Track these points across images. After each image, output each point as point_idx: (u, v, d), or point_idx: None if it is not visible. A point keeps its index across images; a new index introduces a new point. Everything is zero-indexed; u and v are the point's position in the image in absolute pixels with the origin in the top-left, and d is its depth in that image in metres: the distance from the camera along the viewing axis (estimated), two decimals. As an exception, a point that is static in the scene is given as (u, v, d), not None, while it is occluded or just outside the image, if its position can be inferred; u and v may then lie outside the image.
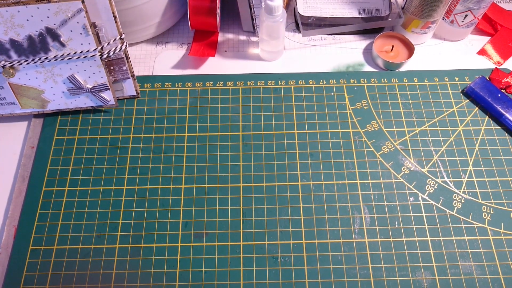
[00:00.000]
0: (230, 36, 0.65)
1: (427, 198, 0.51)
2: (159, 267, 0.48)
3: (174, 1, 0.60)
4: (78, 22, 0.48)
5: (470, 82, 0.59)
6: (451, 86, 0.59)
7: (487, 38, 0.64)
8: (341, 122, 0.57)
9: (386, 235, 0.49)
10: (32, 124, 0.57)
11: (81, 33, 0.49)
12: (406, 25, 0.61)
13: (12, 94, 0.54)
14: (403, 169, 0.53)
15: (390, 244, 0.49)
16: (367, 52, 0.63)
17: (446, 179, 0.52)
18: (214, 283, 0.47)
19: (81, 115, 0.58)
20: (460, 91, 0.59)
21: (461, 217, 0.50)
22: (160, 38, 0.65)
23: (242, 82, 0.60)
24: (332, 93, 0.59)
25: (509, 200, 0.51)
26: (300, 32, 0.65)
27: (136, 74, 0.61)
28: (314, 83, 0.60)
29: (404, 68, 0.61)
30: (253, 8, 0.60)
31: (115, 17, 0.50)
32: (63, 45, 0.50)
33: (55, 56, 0.51)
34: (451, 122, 0.56)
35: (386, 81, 0.60)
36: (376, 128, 0.56)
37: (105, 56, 0.52)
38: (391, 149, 0.55)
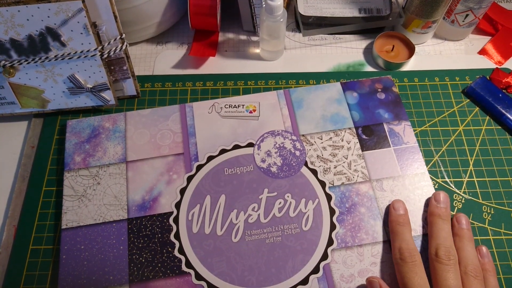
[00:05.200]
0: (230, 35, 0.65)
1: (427, 198, 0.51)
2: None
3: (174, 0, 0.60)
4: (78, 22, 0.48)
5: (471, 82, 0.59)
6: (452, 86, 0.59)
7: (488, 38, 0.64)
8: (341, 122, 0.56)
9: (386, 235, 0.49)
10: (32, 123, 0.57)
11: (81, 33, 0.49)
12: (407, 25, 0.61)
13: (12, 93, 0.54)
14: (404, 169, 0.53)
15: (390, 244, 0.49)
16: (368, 52, 0.63)
17: (446, 179, 0.52)
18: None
19: (81, 115, 0.58)
20: (460, 91, 0.59)
21: (462, 217, 0.50)
22: (160, 38, 0.65)
23: (243, 81, 0.60)
24: (332, 93, 0.59)
25: (510, 200, 0.51)
26: (300, 31, 0.65)
27: (136, 73, 0.61)
28: (315, 83, 0.60)
29: (404, 68, 0.61)
30: (254, 7, 0.60)
31: (115, 17, 0.50)
32: (63, 44, 0.50)
33: (55, 56, 0.51)
34: (451, 122, 0.56)
35: (386, 81, 0.60)
36: (376, 128, 0.56)
37: (105, 55, 0.52)
38: (392, 149, 0.55)
